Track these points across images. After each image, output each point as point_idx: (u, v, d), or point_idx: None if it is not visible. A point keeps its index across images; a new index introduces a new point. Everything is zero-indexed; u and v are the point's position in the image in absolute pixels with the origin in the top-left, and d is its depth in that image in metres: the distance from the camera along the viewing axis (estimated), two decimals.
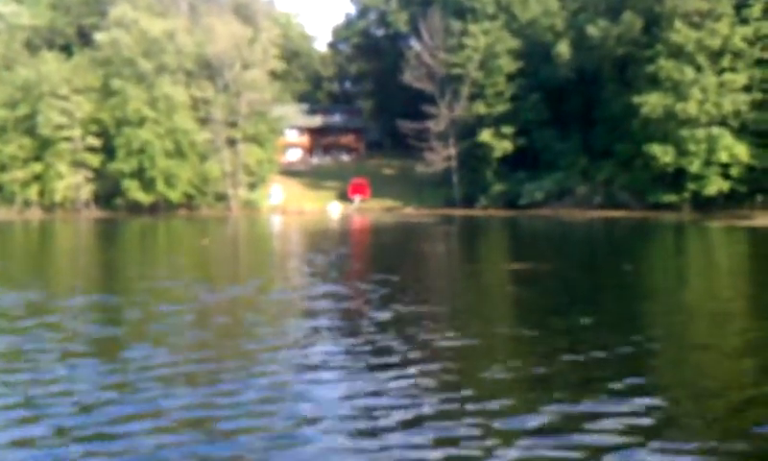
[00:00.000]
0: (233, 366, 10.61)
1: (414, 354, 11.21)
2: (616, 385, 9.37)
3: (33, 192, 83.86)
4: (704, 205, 65.66)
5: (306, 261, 26.86)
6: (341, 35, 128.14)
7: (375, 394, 9.21)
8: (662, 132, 66.61)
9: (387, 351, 11.45)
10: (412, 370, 10.27)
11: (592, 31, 73.29)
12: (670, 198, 66.76)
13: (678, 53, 67.06)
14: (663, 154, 65.90)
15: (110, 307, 16.54)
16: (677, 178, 66.90)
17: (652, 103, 66.33)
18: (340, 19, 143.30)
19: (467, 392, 9.20)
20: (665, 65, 66.88)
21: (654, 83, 67.84)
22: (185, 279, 21.06)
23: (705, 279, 21.77)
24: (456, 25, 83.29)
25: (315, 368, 10.57)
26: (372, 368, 10.48)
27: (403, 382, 9.67)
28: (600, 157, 73.81)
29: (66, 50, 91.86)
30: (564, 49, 75.85)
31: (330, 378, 10.03)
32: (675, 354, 11.58)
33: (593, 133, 76.04)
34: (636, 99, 67.67)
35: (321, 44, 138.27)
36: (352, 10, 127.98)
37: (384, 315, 14.53)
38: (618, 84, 73.23)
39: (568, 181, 74.35)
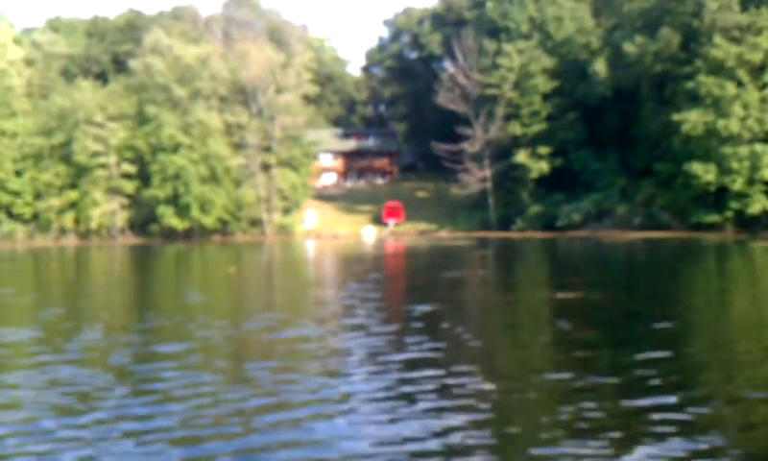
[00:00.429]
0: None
1: (446, 403, 9.92)
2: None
3: (68, 219, 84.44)
4: (747, 224, 63.89)
5: (337, 291, 26.02)
6: (374, 58, 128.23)
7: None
8: (703, 149, 65.02)
9: (414, 398, 10.14)
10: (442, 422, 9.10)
11: (629, 48, 71.96)
12: (712, 218, 65.07)
13: (718, 68, 65.48)
14: (705, 172, 64.26)
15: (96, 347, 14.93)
16: (719, 197, 65.23)
17: (692, 120, 64.80)
18: (373, 43, 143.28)
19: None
20: (705, 81, 65.32)
21: (694, 99, 66.31)
22: (202, 315, 19.76)
23: None
24: (490, 45, 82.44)
25: (345, 413, 9.61)
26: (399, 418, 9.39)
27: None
28: (639, 177, 72.33)
29: (101, 78, 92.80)
30: (600, 67, 74.62)
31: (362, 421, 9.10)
32: None
33: (632, 153, 74.55)
34: (676, 116, 66.18)
35: (354, 68, 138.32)
36: (385, 33, 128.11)
37: (415, 355, 13.14)
38: (657, 102, 71.82)
39: (607, 202, 72.88)
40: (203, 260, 49.53)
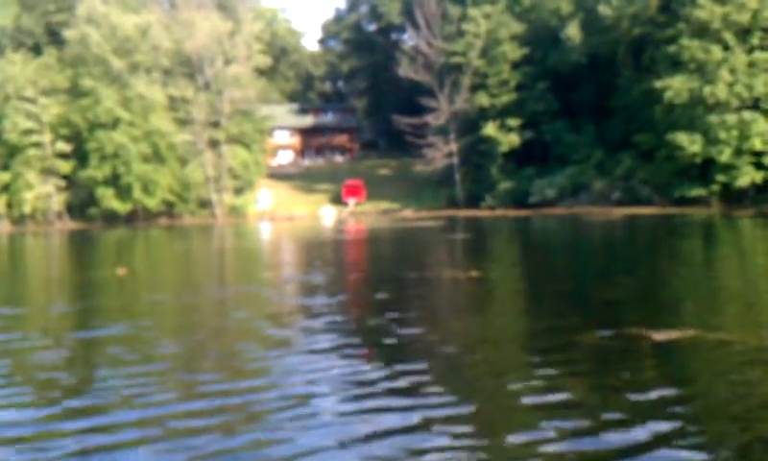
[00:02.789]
0: None
1: None
2: None
3: (0, 204, 77.15)
4: (734, 197, 59.25)
5: (284, 291, 20.34)
6: (331, 30, 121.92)
7: None
8: (688, 118, 60.09)
9: None
10: None
11: (605, 11, 66.88)
12: (697, 191, 60.15)
13: (702, 31, 60.45)
14: (690, 143, 59.32)
15: None
16: (704, 169, 60.42)
17: (676, 87, 59.81)
18: (329, 15, 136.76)
19: None
20: (689, 45, 60.30)
21: (676, 65, 61.38)
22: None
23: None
24: (454, 10, 76.76)
25: None
26: None
27: None
28: (617, 150, 67.38)
29: (36, 51, 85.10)
30: (573, 32, 69.45)
31: None
32: None
33: (609, 124, 69.66)
34: (658, 83, 61.09)
35: (311, 42, 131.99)
36: (342, 4, 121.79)
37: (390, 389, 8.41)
38: (635, 69, 67.10)
39: (583, 177, 67.83)
40: (129, 248, 43.31)
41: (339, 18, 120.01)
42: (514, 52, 73.66)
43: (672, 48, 61.72)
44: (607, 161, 67.56)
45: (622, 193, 64.86)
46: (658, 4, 65.32)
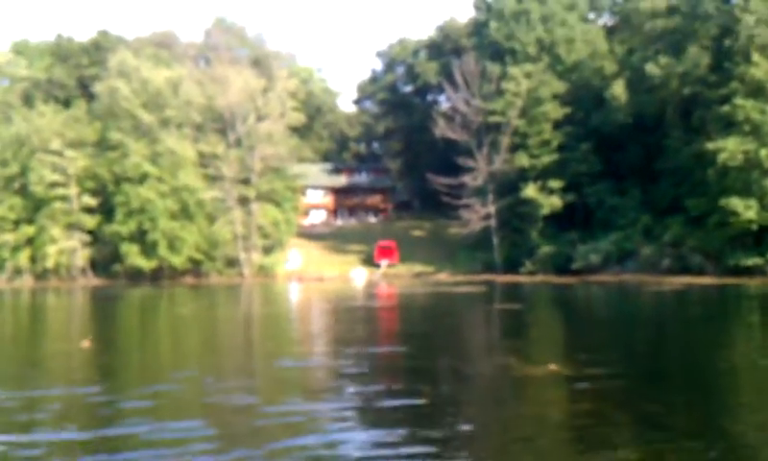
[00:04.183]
0: None
1: None
2: None
3: (23, 258, 75.07)
4: None
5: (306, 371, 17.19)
6: (367, 90, 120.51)
7: None
8: (742, 182, 56.46)
9: None
10: None
11: (652, 70, 63.84)
12: (753, 260, 56.19)
13: (757, 90, 57.27)
14: (745, 208, 55.66)
15: None
16: (760, 236, 56.62)
17: (730, 149, 56.32)
18: (365, 76, 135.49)
19: None
20: (743, 105, 56.93)
21: (730, 126, 57.94)
22: None
23: None
24: (494, 69, 74.13)
25: None
26: None
27: None
28: (665, 214, 63.63)
29: (67, 103, 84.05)
30: (619, 91, 66.43)
31: None
32: None
33: (656, 187, 66.12)
34: (710, 145, 57.70)
35: (346, 102, 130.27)
36: (379, 65, 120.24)
37: None
38: (685, 130, 63.65)
39: (629, 243, 64.01)
40: (149, 310, 40.40)
41: (375, 79, 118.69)
42: (555, 111, 70.75)
43: (725, 108, 58.35)
44: (654, 227, 63.78)
45: (672, 261, 60.90)
46: (709, 63, 62.29)
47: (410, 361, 16.72)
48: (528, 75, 71.82)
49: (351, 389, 13.22)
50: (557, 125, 71.14)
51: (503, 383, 14.27)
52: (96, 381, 14.72)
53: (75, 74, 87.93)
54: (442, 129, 76.64)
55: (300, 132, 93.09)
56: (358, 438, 10.03)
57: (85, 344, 19.45)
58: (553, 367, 15.17)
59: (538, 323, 28.04)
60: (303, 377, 15.02)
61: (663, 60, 63.89)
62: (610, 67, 71.21)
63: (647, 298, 40.13)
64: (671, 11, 67.34)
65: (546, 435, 10.21)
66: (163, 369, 16.57)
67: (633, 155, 68.43)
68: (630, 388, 13.48)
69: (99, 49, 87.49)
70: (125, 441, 10.05)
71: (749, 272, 55.41)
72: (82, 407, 12.38)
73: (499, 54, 75.72)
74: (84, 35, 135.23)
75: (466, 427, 10.43)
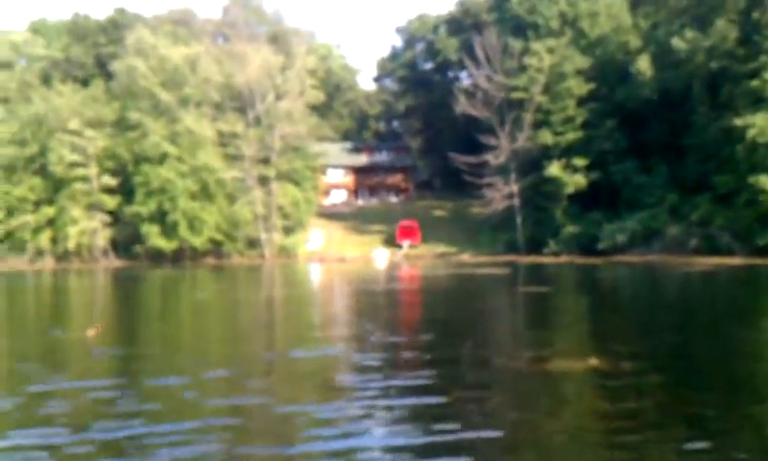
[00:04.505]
0: None
1: None
2: None
3: (44, 239, 74.87)
4: None
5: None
6: (386, 67, 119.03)
7: None
8: None
9: None
10: None
11: (678, 44, 62.37)
12: None
13: None
14: None
15: None
16: None
17: (759, 125, 54.94)
18: (385, 53, 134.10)
19: None
20: None
21: (759, 101, 56.58)
22: None
23: None
24: (516, 44, 72.79)
25: None
26: None
27: None
28: (693, 193, 62.29)
29: (85, 83, 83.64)
30: (644, 66, 64.97)
31: None
32: None
33: (683, 164, 64.69)
34: (738, 121, 56.35)
35: (366, 79, 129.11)
36: (398, 42, 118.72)
37: None
38: (712, 106, 62.10)
39: (655, 222, 62.70)
40: (171, 294, 39.89)
41: (395, 56, 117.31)
42: (579, 87, 69.41)
43: (754, 83, 57.01)
44: (681, 205, 62.45)
45: (699, 240, 59.61)
46: (737, 36, 60.74)
47: (433, 352, 15.62)
48: (551, 50, 70.48)
49: (371, 385, 12.41)
50: (581, 101, 69.82)
51: (536, 380, 13.12)
52: (87, 375, 13.88)
53: (93, 53, 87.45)
54: (463, 106, 75.43)
55: (320, 110, 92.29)
56: (375, 444, 9.27)
57: (91, 332, 18.71)
58: (593, 361, 13.88)
59: (567, 308, 26.67)
60: (320, 371, 14.15)
61: (689, 33, 62.39)
62: (634, 42, 69.80)
63: (677, 280, 39.06)
64: None
65: (587, 445, 9.38)
66: (171, 361, 15.61)
67: (659, 131, 67.01)
68: (673, 384, 12.51)
69: (116, 27, 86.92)
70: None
71: None
72: (85, 404, 11.67)
73: (521, 29, 74.36)
74: (101, 13, 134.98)
75: (495, 434, 9.60)
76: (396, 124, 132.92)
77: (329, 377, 13.62)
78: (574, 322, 22.39)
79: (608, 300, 30.45)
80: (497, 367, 14.43)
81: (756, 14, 59.69)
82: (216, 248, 75.07)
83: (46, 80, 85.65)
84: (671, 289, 34.76)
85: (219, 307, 28.78)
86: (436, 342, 17.62)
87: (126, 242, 74.99)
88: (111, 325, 22.30)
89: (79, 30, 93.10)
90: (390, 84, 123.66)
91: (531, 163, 71.47)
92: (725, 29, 60.90)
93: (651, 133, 67.48)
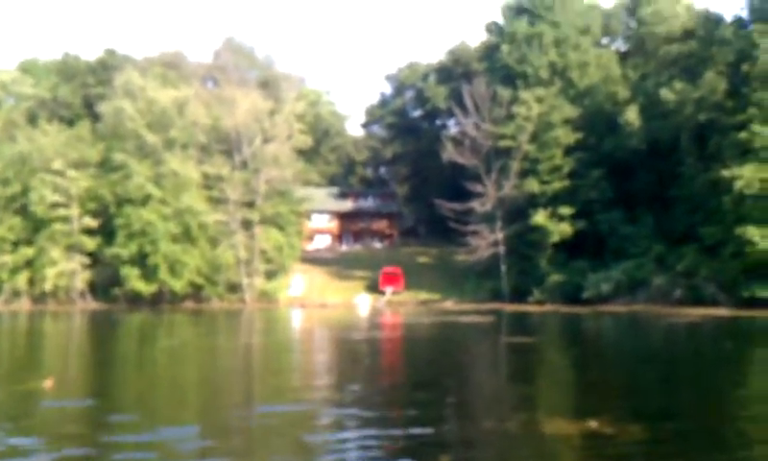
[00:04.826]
0: None
1: None
2: None
3: (22, 280, 73.46)
4: None
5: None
6: (375, 114, 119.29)
7: None
8: (760, 211, 54.64)
9: None
10: None
11: (667, 95, 62.46)
12: None
13: None
14: (762, 238, 53.86)
15: None
16: None
17: (746, 176, 54.60)
18: (374, 100, 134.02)
19: None
20: (761, 131, 55.36)
21: (747, 153, 56.31)
22: None
23: None
24: (505, 93, 72.60)
25: None
26: None
27: None
28: (679, 243, 61.82)
29: (72, 123, 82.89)
30: (632, 117, 64.95)
31: None
32: None
33: (669, 215, 64.35)
34: (726, 173, 56.08)
35: (354, 126, 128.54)
36: (388, 89, 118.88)
37: None
38: (700, 157, 61.96)
39: (641, 272, 62.11)
40: (141, 337, 38.76)
41: (384, 103, 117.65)
42: (567, 136, 69.19)
43: (742, 134, 56.74)
44: (667, 256, 61.94)
45: (684, 291, 59.02)
46: (725, 88, 60.82)
47: (416, 409, 14.59)
48: (540, 99, 70.36)
49: (345, 445, 11.44)
50: (568, 150, 69.55)
51: (531, 444, 11.87)
52: (25, 432, 12.63)
53: (80, 93, 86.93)
54: (450, 153, 75.06)
55: (307, 155, 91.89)
56: None
57: (48, 383, 17.64)
58: (592, 423, 12.72)
59: (553, 361, 25.75)
60: (293, 429, 13.17)
61: (678, 85, 62.56)
62: (623, 92, 69.91)
63: (664, 331, 38.31)
64: (686, 35, 66.23)
65: None
66: (129, 415, 14.27)
67: (646, 182, 66.78)
68: (683, 453, 11.41)
69: (106, 68, 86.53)
70: None
71: (765, 304, 53.39)
72: None
73: (510, 78, 74.25)
74: (91, 53, 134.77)
75: None
76: (382, 170, 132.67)
77: (300, 435, 12.59)
78: (563, 377, 21.36)
79: (595, 352, 29.43)
80: (487, 429, 13.31)
81: (745, 67, 59.66)
82: (196, 292, 73.79)
83: (32, 119, 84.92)
84: (658, 341, 33.98)
85: (193, 355, 27.65)
86: (419, 397, 16.59)
87: (104, 284, 73.66)
88: (75, 373, 21.20)
89: (68, 70, 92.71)
90: (378, 130, 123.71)
91: (517, 211, 70.93)
92: (714, 81, 61.04)
93: (638, 183, 67.25)
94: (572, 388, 18.86)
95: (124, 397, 17.27)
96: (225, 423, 13.69)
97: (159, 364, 25.09)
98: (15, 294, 73.79)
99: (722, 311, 52.28)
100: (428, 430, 12.61)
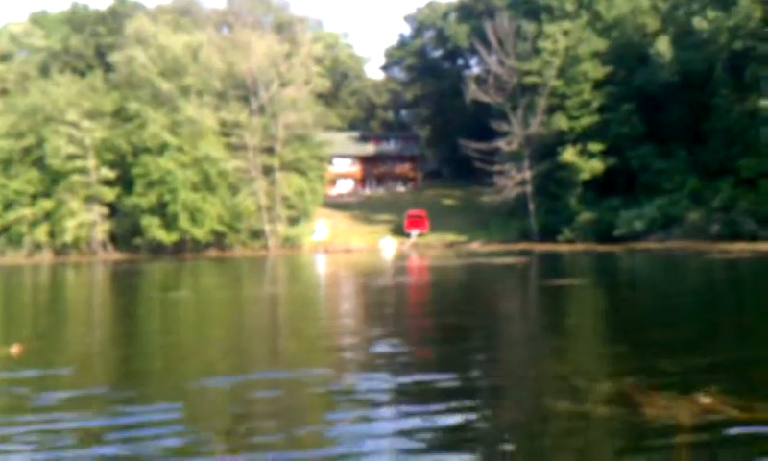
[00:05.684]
0: None
1: None
2: None
3: (42, 233, 72.75)
4: None
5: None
6: (395, 56, 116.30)
7: None
8: None
9: None
10: None
11: (700, 24, 59.72)
12: None
13: None
14: None
15: None
16: None
17: None
18: (393, 41, 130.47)
19: None
20: None
21: None
22: None
23: None
24: (529, 27, 70.12)
25: None
26: None
27: None
28: (715, 177, 59.63)
29: (85, 73, 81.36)
30: (664, 48, 62.24)
31: None
32: None
33: (704, 148, 62.04)
34: (763, 102, 53.71)
35: (373, 69, 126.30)
36: (407, 30, 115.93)
37: None
38: (735, 88, 59.41)
39: (675, 208, 60.04)
40: (158, 286, 37.41)
41: (403, 44, 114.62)
42: (595, 70, 66.74)
43: None
44: (703, 190, 59.80)
45: (721, 226, 56.92)
46: (761, 15, 57.94)
47: (458, 373, 11.50)
48: (566, 32, 67.82)
49: (370, 413, 9.58)
50: (597, 85, 67.18)
51: (632, 435, 8.35)
52: None
53: (92, 43, 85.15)
54: (473, 92, 72.87)
55: (326, 99, 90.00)
56: None
57: (15, 349, 15.61)
58: (705, 400, 9.06)
59: (616, 309, 20.88)
60: (318, 397, 11.27)
61: (711, 13, 59.76)
62: (653, 23, 67.15)
63: (712, 269, 35.98)
64: None
65: None
66: (108, 389, 11.72)
67: (679, 115, 64.34)
68: None
69: (116, 17, 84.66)
70: None
71: None
72: None
73: (535, 12, 71.74)
74: (101, 2, 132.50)
75: None
76: (404, 113, 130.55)
77: (329, 406, 10.68)
78: (637, 332, 15.78)
79: (653, 296, 24.55)
80: (558, 411, 9.21)
81: None
82: (218, 239, 72.79)
83: (45, 71, 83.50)
84: (714, 280, 31.12)
85: (198, 309, 25.72)
86: (458, 358, 13.07)
87: (125, 234, 72.81)
88: (58, 332, 19.34)
89: (78, 20, 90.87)
90: (398, 72, 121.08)
91: (545, 149, 68.88)
92: (749, 7, 58.25)
93: (670, 116, 64.80)
94: (655, 347, 13.59)
95: (103, 362, 15.29)
96: (209, 398, 11.41)
97: (157, 318, 22.96)
98: (37, 247, 73.24)
99: (763, 246, 50.10)
100: (476, 406, 9.90)
